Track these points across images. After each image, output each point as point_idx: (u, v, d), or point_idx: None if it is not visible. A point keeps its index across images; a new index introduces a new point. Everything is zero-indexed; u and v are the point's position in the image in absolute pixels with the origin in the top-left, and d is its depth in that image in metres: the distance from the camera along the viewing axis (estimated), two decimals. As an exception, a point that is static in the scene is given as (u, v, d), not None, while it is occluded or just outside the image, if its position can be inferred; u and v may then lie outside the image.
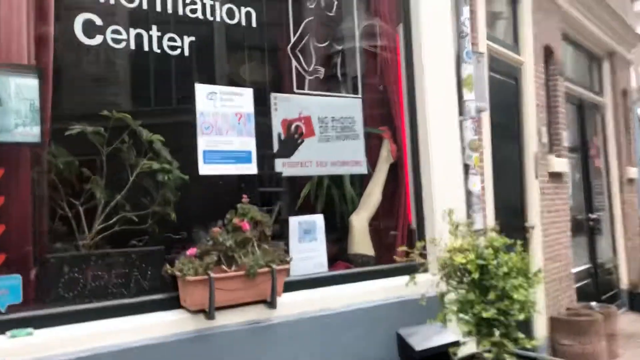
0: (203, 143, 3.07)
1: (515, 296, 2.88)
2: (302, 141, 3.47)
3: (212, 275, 2.77)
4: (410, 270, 3.20)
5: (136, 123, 2.98)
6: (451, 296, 3.13)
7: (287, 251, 3.23)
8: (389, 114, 4.12)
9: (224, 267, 2.93)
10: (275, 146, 3.36)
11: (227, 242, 2.96)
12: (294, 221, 3.40)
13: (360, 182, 4.07)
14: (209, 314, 2.79)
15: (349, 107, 3.71)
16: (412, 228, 3.99)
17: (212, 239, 2.96)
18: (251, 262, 2.91)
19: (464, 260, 3.00)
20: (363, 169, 3.74)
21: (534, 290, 3.06)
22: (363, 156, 3.74)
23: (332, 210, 4.15)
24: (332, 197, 4.13)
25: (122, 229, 3.04)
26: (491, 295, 2.94)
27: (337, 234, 4.05)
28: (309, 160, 3.47)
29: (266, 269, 2.95)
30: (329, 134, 3.58)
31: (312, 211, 4.06)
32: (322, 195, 4.11)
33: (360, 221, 3.83)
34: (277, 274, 2.98)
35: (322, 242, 3.49)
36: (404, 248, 3.25)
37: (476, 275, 2.96)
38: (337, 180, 4.11)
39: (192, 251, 2.88)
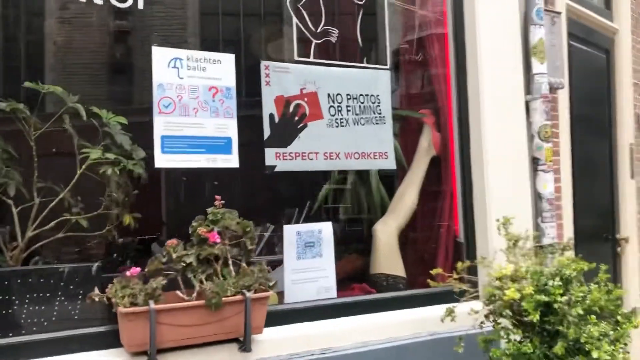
0: (160, 125, 2.31)
1: (595, 355, 1.91)
2: (305, 126, 2.63)
3: (154, 306, 2.01)
4: (453, 297, 2.33)
5: (72, 99, 2.27)
6: (500, 344, 2.20)
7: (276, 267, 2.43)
8: (430, 93, 3.21)
9: (180, 293, 2.17)
10: (267, 131, 2.54)
11: (187, 259, 2.20)
12: (291, 231, 2.57)
13: (391, 182, 3.19)
14: (150, 358, 2.03)
15: (372, 81, 2.83)
16: (460, 241, 3.05)
17: (167, 254, 2.21)
18: (215, 288, 2.12)
19: (517, 295, 2.05)
20: (389, 163, 2.85)
21: (626, 343, 2.07)
22: (391, 146, 2.85)
23: (357, 217, 3.30)
24: (360, 200, 3.28)
25: (68, 237, 2.35)
26: (558, 349, 1.99)
27: (357, 247, 3.20)
28: (314, 151, 2.63)
29: (237, 298, 2.15)
30: (343, 116, 2.72)
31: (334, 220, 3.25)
32: (346, 199, 3.27)
33: (387, 231, 2.95)
34: (254, 304, 2.18)
35: (330, 258, 2.64)
36: (438, 271, 2.35)
37: (536, 318, 2.02)
38: (364, 177, 3.25)
39: (134, 271, 2.13)
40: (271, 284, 2.25)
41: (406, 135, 3.18)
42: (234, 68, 2.46)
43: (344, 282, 2.99)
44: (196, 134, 2.37)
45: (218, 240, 2.24)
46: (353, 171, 3.31)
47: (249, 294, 2.15)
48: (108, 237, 2.44)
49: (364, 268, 2.98)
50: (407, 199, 3.03)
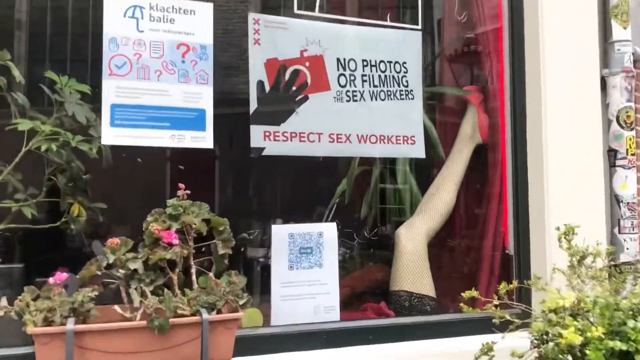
0: (110, 91, 1.80)
1: None
2: (305, 98, 2.06)
3: (73, 326, 1.50)
4: (501, 324, 1.70)
5: (4, 56, 1.80)
6: (554, 405, 1.54)
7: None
8: (476, 65, 2.56)
9: (119, 309, 1.65)
10: (253, 104, 1.99)
11: (132, 264, 1.68)
12: (280, 233, 2.00)
13: (427, 175, 2.56)
14: (66, 395, 1.51)
15: (398, 44, 2.22)
16: (509, 254, 2.39)
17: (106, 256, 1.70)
18: (160, 305, 1.59)
19: (578, 339, 1.40)
20: (417, 151, 2.23)
21: None
22: (420, 129, 2.23)
23: (382, 218, 2.70)
24: (385, 197, 2.68)
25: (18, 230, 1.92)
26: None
27: (382, 255, 2.59)
28: (316, 132, 2.05)
29: (193, 319, 1.61)
30: (357, 88, 2.13)
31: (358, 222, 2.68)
32: (369, 195, 2.67)
33: (414, 237, 2.32)
34: (215, 328, 1.63)
35: (332, 269, 2.05)
36: (472, 293, 1.73)
37: (607, 374, 1.36)
38: (390, 168, 2.64)
39: (59, 276, 1.63)
40: (241, 302, 1.70)
41: (444, 117, 2.56)
42: (212, 21, 1.92)
43: (362, 298, 2.41)
44: (158, 104, 1.85)
45: (175, 242, 1.70)
46: (378, 161, 2.69)
47: (207, 315, 1.60)
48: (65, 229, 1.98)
49: (388, 282, 2.36)
50: (442, 196, 2.40)
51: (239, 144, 2.00)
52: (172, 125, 1.86)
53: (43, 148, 1.77)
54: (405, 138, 2.19)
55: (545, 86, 2.33)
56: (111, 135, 1.79)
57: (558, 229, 1.77)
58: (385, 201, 2.72)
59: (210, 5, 1.93)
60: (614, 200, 2.42)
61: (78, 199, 1.95)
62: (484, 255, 2.43)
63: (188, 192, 1.78)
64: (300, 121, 2.03)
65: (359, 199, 2.73)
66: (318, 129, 2.05)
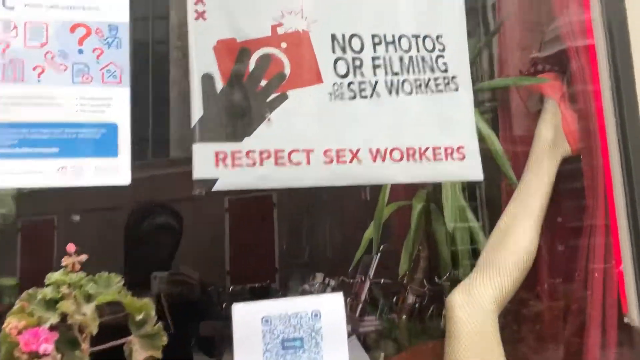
0: (-46, 100, 1.12)
1: None
2: (282, 97, 1.31)
3: None
4: None
5: None
6: None
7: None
8: (553, 44, 1.75)
9: None
10: (197, 110, 1.25)
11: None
12: (247, 316, 1.22)
13: (492, 206, 1.75)
14: None
15: (427, 8, 1.45)
16: (631, 324, 1.50)
17: None
18: None
19: None
20: (471, 171, 1.42)
21: None
22: (472, 136, 1.43)
23: (432, 275, 1.91)
24: (429, 243, 1.88)
25: None
26: None
27: (433, 327, 1.78)
28: (302, 148, 1.29)
29: None
30: (367, 77, 1.36)
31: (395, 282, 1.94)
32: (409, 242, 1.89)
33: (474, 306, 1.47)
34: None
35: (341, 371, 1.25)
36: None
37: None
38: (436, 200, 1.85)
39: None
40: None
41: (510, 120, 1.74)
42: (127, -13, 1.23)
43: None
44: (38, 119, 1.15)
45: (47, 349, 0.98)
46: (420, 189, 1.90)
47: None
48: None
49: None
50: (516, 238, 1.55)
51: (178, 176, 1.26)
52: (62, 151, 1.15)
53: None
54: (449, 151, 1.39)
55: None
56: (-45, 172, 1.10)
57: None
58: (435, 249, 1.91)
59: (123, -37, 1.24)
60: None
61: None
62: (590, 328, 1.55)
63: (83, 257, 1.07)
64: (275, 132, 1.28)
65: (397, 248, 1.94)
66: (305, 143, 1.29)
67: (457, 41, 1.45)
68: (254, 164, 1.25)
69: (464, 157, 1.40)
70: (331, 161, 1.30)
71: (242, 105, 1.27)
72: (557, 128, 1.68)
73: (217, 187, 1.22)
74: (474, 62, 1.84)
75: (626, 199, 1.54)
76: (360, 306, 2.89)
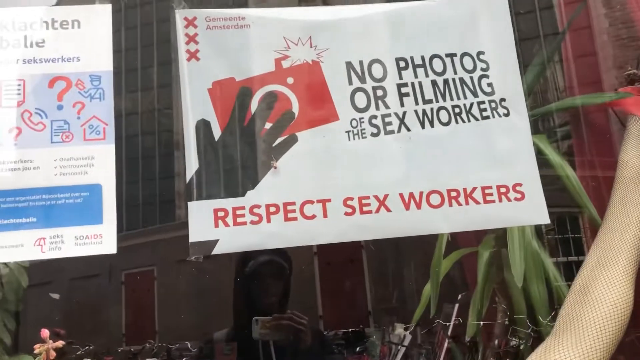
0: None
1: None
2: (291, 139, 1.11)
3: None
4: None
5: None
6: None
7: None
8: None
9: None
10: (192, 163, 1.08)
11: None
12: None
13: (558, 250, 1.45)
14: None
15: (464, 20, 1.21)
16: None
17: None
18: None
19: None
20: (534, 212, 1.14)
21: None
22: (532, 169, 1.16)
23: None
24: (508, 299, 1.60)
25: None
26: None
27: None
28: (317, 198, 1.08)
29: None
30: (392, 108, 1.14)
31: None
32: (476, 300, 1.63)
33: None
34: None
35: None
36: None
37: None
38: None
39: None
40: None
41: (584, 145, 1.44)
42: (111, 30, 1.10)
43: None
44: (14, 186, 1.03)
45: None
46: (491, 235, 1.62)
47: None
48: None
49: None
50: (604, 293, 1.24)
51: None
52: (39, 221, 1.02)
53: None
54: (503, 190, 1.13)
55: None
56: None
57: None
58: (510, 308, 1.61)
59: (108, 7, 1.12)
60: None
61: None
62: None
63: (60, 343, 0.92)
64: (283, 182, 1.08)
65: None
66: (320, 192, 1.08)
67: (504, 56, 1.20)
68: (259, 220, 1.06)
69: (522, 197, 1.13)
70: (353, 212, 1.08)
71: (243, 154, 1.09)
72: (645, 152, 1.36)
73: (217, 250, 1.04)
74: (537, 82, 1.58)
75: None
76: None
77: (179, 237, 1.07)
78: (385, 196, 1.09)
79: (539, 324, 1.46)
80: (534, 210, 1.13)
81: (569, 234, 1.80)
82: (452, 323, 2.65)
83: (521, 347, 1.73)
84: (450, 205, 1.11)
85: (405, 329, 3.48)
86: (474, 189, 1.12)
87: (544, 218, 1.14)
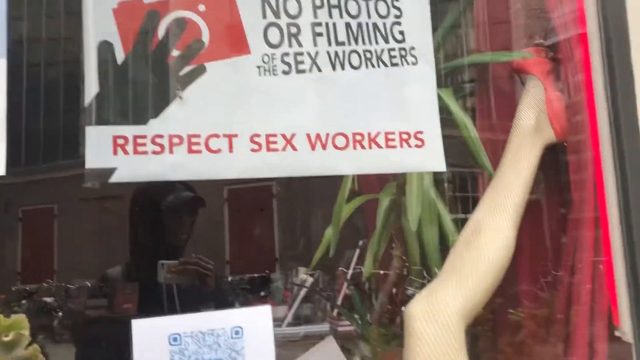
0: None
1: None
2: (200, 70, 1.08)
3: None
4: None
5: None
6: None
7: None
8: (537, 16, 1.52)
9: None
10: (91, 86, 1.03)
11: None
12: (151, 334, 1.01)
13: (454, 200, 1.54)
14: None
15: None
16: (624, 338, 1.29)
17: None
18: None
19: None
20: (431, 159, 1.19)
21: None
22: (433, 119, 1.20)
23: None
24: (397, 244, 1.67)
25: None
26: None
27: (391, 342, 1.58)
28: (225, 133, 1.07)
29: None
30: (305, 47, 1.14)
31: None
32: (374, 243, 1.68)
33: (436, 318, 1.25)
34: None
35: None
36: None
37: None
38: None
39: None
40: None
41: (486, 102, 1.52)
42: None
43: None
44: None
45: None
46: (392, 183, 1.67)
47: None
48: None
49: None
50: (489, 238, 1.33)
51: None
52: None
53: None
54: (405, 137, 1.17)
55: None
56: None
57: None
58: (406, 252, 1.69)
59: None
60: None
61: None
62: (575, 345, 1.33)
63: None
64: (189, 114, 1.06)
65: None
66: (227, 127, 1.07)
67: (417, 6, 1.22)
68: (162, 151, 1.03)
69: (422, 144, 1.17)
70: (260, 149, 1.08)
71: (147, 81, 1.05)
72: (540, 111, 1.45)
73: (115, 179, 1.01)
74: (450, 34, 1.62)
75: (621, 194, 1.32)
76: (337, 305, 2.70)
77: (83, 175, 1.03)
78: (293, 135, 1.10)
79: (431, 270, 1.55)
80: (433, 158, 1.19)
81: (469, 193, 1.90)
82: (351, 268, 2.76)
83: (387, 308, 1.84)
84: (355, 148, 1.13)
85: (312, 276, 3.59)
86: (378, 133, 1.15)
87: (441, 166, 1.20)
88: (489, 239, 1.33)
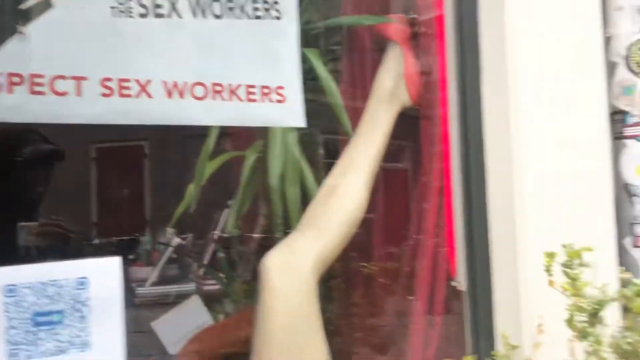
0: None
1: None
2: (44, 5, 1.00)
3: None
4: None
5: None
6: None
7: None
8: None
9: None
10: None
11: None
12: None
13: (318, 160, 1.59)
14: None
15: None
16: (458, 288, 1.42)
17: None
18: None
19: None
20: (290, 115, 1.21)
21: None
22: (294, 75, 1.22)
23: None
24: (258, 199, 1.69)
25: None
26: None
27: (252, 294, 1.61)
28: (72, 75, 1.01)
29: None
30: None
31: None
32: (238, 199, 1.69)
33: (291, 269, 1.30)
34: None
35: (116, 350, 1.02)
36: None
37: None
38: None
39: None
40: None
41: (348, 64, 1.56)
42: None
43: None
44: None
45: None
46: (260, 141, 1.67)
47: None
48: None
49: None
50: (343, 196, 1.39)
51: None
52: None
53: None
54: (267, 91, 1.18)
55: (514, 27, 1.38)
56: None
57: (551, 256, 0.86)
58: (269, 207, 1.70)
59: None
60: (623, 193, 1.49)
61: None
62: (417, 293, 1.45)
63: None
64: (32, 51, 0.98)
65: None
66: (75, 68, 1.01)
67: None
68: (-2, 89, 0.95)
69: (283, 100, 1.19)
70: (111, 93, 1.03)
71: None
72: (398, 76, 1.52)
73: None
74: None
75: (463, 160, 1.43)
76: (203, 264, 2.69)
77: None
78: (148, 81, 1.06)
79: (293, 227, 1.58)
80: (292, 113, 1.21)
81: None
82: (219, 228, 2.75)
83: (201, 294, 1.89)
84: (214, 99, 1.12)
85: (184, 239, 3.52)
86: (239, 86, 1.15)
87: (300, 121, 1.22)
88: (342, 198, 1.39)
